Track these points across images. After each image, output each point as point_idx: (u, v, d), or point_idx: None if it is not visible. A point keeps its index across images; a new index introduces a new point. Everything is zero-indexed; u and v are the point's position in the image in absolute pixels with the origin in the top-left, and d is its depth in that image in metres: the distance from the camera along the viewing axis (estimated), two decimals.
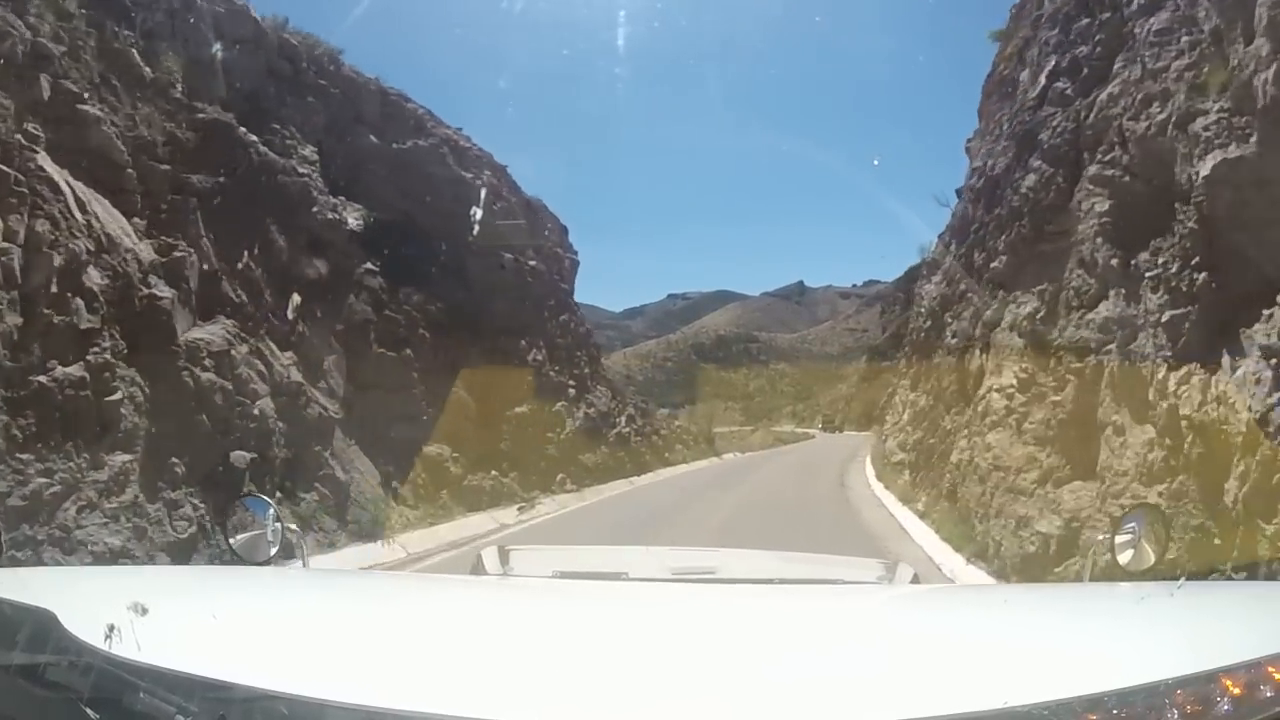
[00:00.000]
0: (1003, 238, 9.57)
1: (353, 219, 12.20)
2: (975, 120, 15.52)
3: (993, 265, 9.89)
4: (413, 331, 11.53)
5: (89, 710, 0.69)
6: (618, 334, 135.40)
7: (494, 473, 11.55)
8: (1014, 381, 7.74)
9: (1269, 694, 0.66)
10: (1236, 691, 0.66)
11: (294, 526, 1.78)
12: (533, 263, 15.48)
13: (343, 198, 12.32)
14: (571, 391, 14.86)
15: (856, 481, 16.32)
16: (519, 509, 11.21)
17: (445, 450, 10.97)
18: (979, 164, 13.44)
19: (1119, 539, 1.53)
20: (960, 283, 12.25)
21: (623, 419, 17.73)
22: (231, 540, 1.61)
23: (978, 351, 10.00)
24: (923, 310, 16.50)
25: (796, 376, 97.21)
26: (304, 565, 1.85)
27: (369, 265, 11.94)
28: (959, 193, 22.32)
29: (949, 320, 12.29)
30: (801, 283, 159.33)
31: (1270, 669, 0.68)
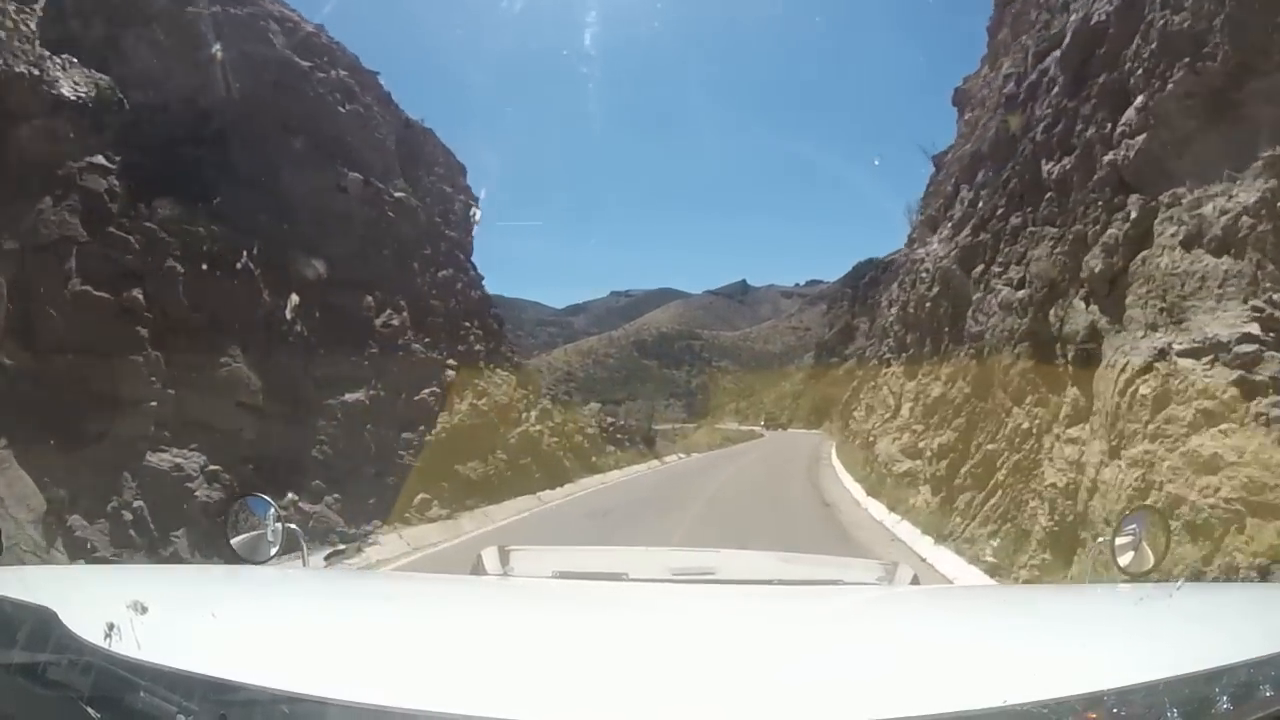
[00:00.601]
0: (1131, 109, 5.72)
1: (71, 85, 7.58)
2: (947, 84, 12.22)
3: (1106, 159, 6.04)
4: (154, 264, 6.92)
5: (89, 709, 0.67)
6: (560, 330, 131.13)
7: (291, 495, 7.04)
8: (1255, 333, 3.81)
9: (1268, 694, 0.64)
10: (1235, 691, 0.64)
11: (294, 525, 1.68)
12: (400, 194, 10.95)
13: (69, 56, 7.75)
14: (450, 374, 10.39)
15: (839, 497, 12.38)
16: (327, 559, 6.74)
17: (194, 460, 6.41)
18: (1023, 64, 9.75)
19: (1119, 541, 1.47)
20: (1009, 217, 8.44)
21: (534, 414, 13.34)
22: (232, 540, 1.58)
23: (1079, 300, 6.13)
24: (926, 275, 12.76)
25: (739, 374, 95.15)
26: (304, 565, 1.83)
27: (98, 158, 7.36)
28: (937, 161, 19.04)
29: (996, 271, 8.45)
30: (744, 281, 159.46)
31: (1269, 669, 0.66)
